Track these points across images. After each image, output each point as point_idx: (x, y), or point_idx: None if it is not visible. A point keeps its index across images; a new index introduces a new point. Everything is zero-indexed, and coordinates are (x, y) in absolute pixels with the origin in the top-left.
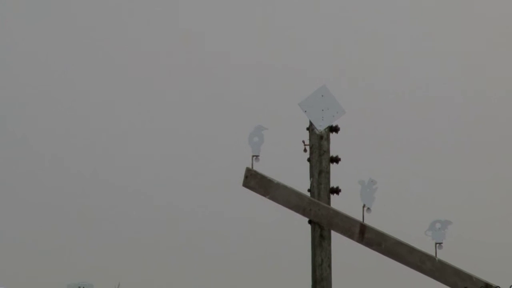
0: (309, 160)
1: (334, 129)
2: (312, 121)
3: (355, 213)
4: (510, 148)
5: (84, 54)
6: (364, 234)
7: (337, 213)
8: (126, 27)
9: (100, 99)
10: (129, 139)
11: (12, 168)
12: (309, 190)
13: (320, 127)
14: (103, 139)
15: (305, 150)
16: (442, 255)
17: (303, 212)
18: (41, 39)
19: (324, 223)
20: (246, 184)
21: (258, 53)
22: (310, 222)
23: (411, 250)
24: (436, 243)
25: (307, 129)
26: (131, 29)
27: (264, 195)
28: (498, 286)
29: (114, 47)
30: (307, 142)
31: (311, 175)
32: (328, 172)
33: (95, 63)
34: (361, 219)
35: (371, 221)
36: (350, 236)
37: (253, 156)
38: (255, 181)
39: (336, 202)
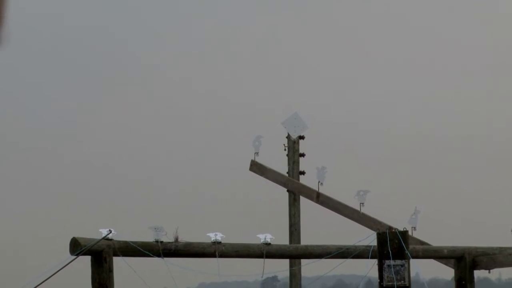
0: (287, 155)
1: (301, 137)
2: (289, 132)
3: (314, 186)
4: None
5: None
6: (319, 198)
7: (303, 186)
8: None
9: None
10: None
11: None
12: (287, 173)
13: (294, 136)
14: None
15: (285, 149)
16: (365, 210)
17: (284, 185)
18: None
19: (295, 191)
20: (251, 169)
21: (269, 96)
22: (288, 191)
23: (346, 206)
24: (360, 203)
25: (286, 137)
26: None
27: (261, 175)
28: (396, 228)
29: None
30: (286, 144)
31: (288, 164)
32: (298, 162)
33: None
34: (317, 189)
35: (323, 190)
36: (311, 199)
37: (255, 152)
38: (256, 167)
39: (303, 180)
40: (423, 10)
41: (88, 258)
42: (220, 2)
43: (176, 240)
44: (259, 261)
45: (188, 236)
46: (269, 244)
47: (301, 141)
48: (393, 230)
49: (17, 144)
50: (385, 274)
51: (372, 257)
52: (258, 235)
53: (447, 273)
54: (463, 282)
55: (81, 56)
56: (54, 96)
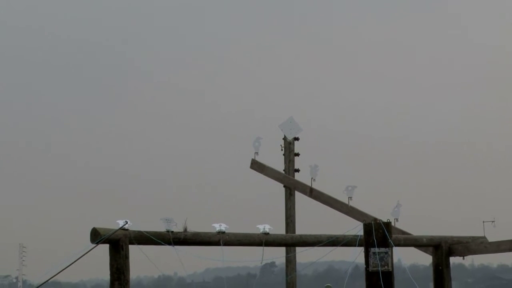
0: (283, 154)
1: (296, 138)
2: (285, 134)
3: (307, 182)
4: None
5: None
6: (312, 192)
7: (298, 182)
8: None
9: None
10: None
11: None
12: (284, 170)
13: (289, 137)
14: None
15: (281, 149)
16: (353, 203)
17: (281, 181)
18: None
19: (291, 187)
20: (252, 167)
21: (270, 104)
22: (284, 186)
23: (336, 200)
24: (348, 197)
25: (283, 138)
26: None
27: (260, 172)
28: (381, 220)
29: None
30: (283, 145)
31: (285, 162)
32: (293, 161)
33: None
34: (310, 185)
35: (316, 186)
36: (305, 193)
37: (255, 152)
38: (256, 165)
39: (297, 176)
40: (406, 34)
41: (106, 246)
42: (222, 17)
43: (185, 230)
44: (259, 248)
45: (195, 226)
46: (268, 233)
47: (296, 142)
48: (378, 221)
49: (38, 151)
50: (371, 260)
51: (359, 245)
52: (257, 226)
53: (426, 259)
54: (440, 268)
55: (94, 70)
56: (71, 109)
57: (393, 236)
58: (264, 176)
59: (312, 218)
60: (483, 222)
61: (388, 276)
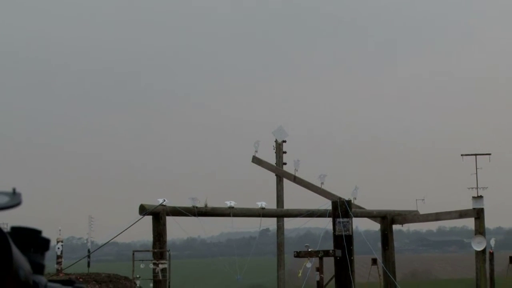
0: (275, 152)
1: (284, 141)
2: (276, 138)
3: (292, 171)
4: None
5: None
6: (295, 179)
7: (285, 172)
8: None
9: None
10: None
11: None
12: (275, 163)
13: (279, 140)
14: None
15: (274, 149)
16: (324, 187)
17: (273, 171)
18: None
19: (281, 175)
20: (252, 161)
21: (269, 114)
22: (275, 175)
23: (312, 184)
24: (321, 182)
25: (275, 141)
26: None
27: (259, 165)
28: (344, 198)
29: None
30: (275, 146)
31: (276, 158)
32: (282, 157)
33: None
34: (294, 174)
35: (298, 174)
36: (290, 180)
37: (255, 151)
38: (256, 160)
39: (285, 168)
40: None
41: (150, 217)
42: (224, 51)
43: (206, 205)
44: (258, 219)
45: (213, 203)
46: (264, 208)
47: (284, 143)
48: (342, 199)
49: (96, 155)
50: (337, 227)
51: (328, 216)
52: (257, 203)
53: (376, 226)
54: (386, 232)
55: (117, 90)
56: (113, 123)
57: (353, 210)
58: (261, 168)
59: (295, 197)
60: (416, 200)
61: (349, 238)
